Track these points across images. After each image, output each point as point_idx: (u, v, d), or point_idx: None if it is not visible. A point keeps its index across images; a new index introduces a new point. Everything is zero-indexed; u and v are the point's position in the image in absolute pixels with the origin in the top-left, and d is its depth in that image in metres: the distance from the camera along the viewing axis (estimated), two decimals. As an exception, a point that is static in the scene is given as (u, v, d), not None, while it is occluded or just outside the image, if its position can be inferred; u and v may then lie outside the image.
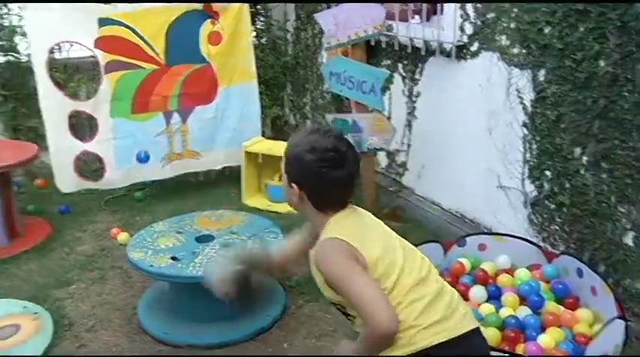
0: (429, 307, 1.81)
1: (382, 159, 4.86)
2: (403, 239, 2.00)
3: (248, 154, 4.82)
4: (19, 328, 2.75)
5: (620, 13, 2.76)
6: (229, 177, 5.23)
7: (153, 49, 4.65)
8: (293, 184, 1.94)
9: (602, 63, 2.90)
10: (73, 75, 5.35)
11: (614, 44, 2.82)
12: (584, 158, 3.09)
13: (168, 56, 4.71)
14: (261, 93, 5.29)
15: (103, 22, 4.46)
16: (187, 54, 4.80)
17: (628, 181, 2.88)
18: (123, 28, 4.52)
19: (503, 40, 3.49)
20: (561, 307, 2.85)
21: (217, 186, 5.20)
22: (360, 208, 2.03)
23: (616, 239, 3.00)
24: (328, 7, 4.04)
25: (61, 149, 4.47)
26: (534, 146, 3.40)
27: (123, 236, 4.16)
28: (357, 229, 1.91)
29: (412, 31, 4.16)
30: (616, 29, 2.80)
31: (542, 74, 3.27)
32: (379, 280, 1.81)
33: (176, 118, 4.84)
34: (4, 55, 5.24)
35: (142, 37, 4.59)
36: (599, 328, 2.64)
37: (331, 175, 1.88)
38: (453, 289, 1.96)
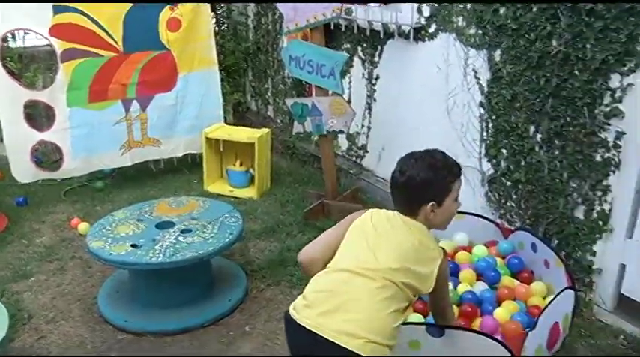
0: (316, 292, 1.99)
1: (342, 142, 4.88)
2: (399, 240, 2.10)
3: (209, 140, 4.78)
4: (-27, 322, 2.69)
5: (570, -7, 2.80)
6: (191, 164, 5.19)
7: (110, 36, 4.57)
8: None
9: (554, 42, 2.94)
10: (29, 65, 5.25)
11: (566, 24, 2.86)
12: (538, 136, 3.14)
13: (126, 43, 4.64)
14: (222, 79, 5.25)
15: (58, 9, 4.37)
16: (145, 41, 4.72)
17: (578, 157, 2.94)
18: (78, 15, 4.43)
19: (460, 22, 3.51)
20: (516, 281, 2.89)
21: (179, 173, 5.16)
22: (400, 216, 2.21)
23: (568, 213, 3.06)
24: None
25: (17, 139, 4.39)
26: (491, 125, 3.44)
27: (83, 226, 4.10)
28: (378, 211, 2.24)
29: (371, 14, 4.17)
30: (567, 9, 2.84)
31: (497, 54, 3.30)
32: (345, 242, 2.13)
33: (135, 105, 4.78)
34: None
35: (98, 24, 4.51)
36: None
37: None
38: (362, 302, 1.93)
